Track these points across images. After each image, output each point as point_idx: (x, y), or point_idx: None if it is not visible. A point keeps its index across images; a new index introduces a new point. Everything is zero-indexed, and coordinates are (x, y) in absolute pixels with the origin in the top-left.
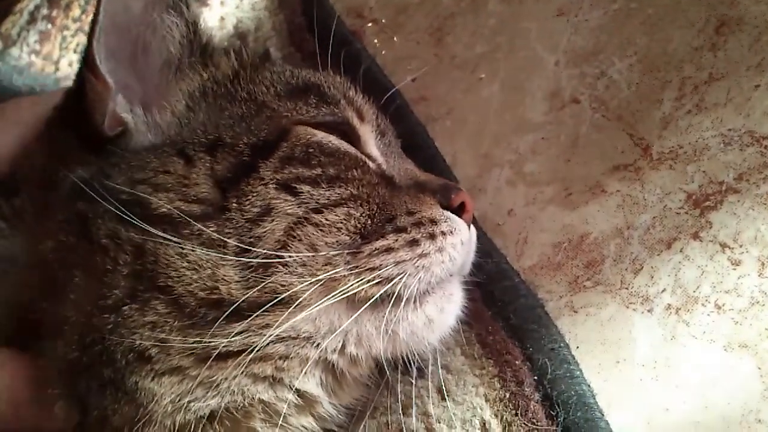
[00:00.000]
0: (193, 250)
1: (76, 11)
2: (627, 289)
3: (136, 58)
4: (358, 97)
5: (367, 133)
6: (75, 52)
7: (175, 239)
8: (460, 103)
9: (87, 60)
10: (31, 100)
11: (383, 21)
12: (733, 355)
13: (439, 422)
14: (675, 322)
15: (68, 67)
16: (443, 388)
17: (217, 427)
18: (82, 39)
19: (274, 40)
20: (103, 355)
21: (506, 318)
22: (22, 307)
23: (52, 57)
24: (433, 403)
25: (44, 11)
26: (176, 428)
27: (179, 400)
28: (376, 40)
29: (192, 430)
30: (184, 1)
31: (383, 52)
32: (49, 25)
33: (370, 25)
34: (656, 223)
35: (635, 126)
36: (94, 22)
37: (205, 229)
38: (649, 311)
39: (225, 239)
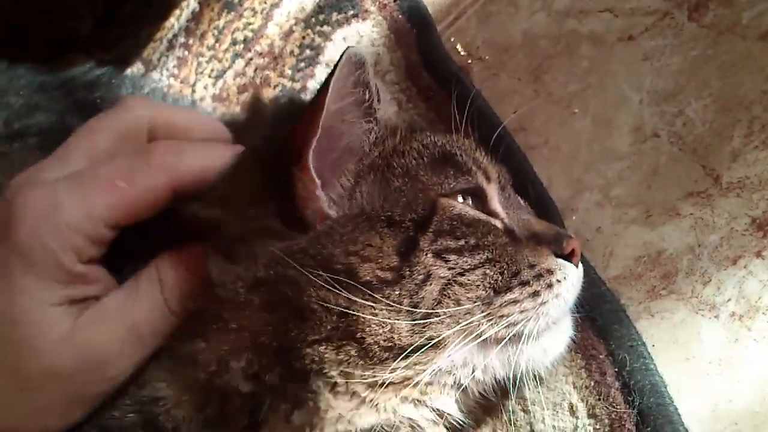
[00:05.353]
0: (382, 310)
1: (210, 40)
2: (697, 297)
3: (323, 149)
4: (484, 159)
5: (493, 192)
6: (209, 77)
7: (371, 303)
8: (556, 134)
9: (299, 160)
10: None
11: (488, 60)
12: None
13: (534, 404)
14: (738, 327)
15: (203, 90)
16: (537, 376)
17: None
18: (216, 65)
19: (392, 74)
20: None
21: (593, 319)
22: None
23: (189, 80)
24: (529, 389)
25: (181, 39)
26: None
27: (346, 414)
28: (482, 75)
29: None
30: (374, 106)
31: (488, 87)
32: (186, 52)
33: (476, 60)
34: (723, 243)
35: (707, 158)
36: (310, 129)
37: (393, 292)
38: (715, 317)
39: (402, 300)
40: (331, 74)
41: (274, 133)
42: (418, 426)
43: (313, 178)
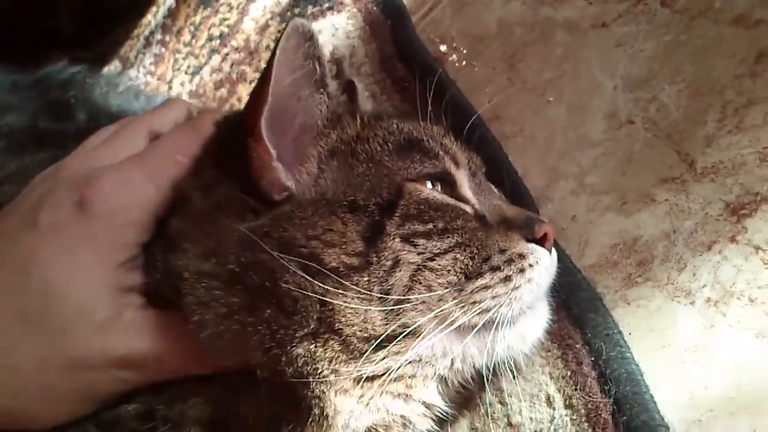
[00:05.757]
0: (353, 299)
1: (186, 36)
2: (673, 284)
3: (277, 122)
4: (453, 144)
5: (462, 177)
6: (186, 73)
7: (343, 291)
8: (530, 122)
9: (253, 131)
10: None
11: (463, 50)
12: (765, 341)
13: (510, 396)
14: (713, 313)
15: (180, 86)
16: (515, 367)
17: None
18: (193, 62)
19: (367, 66)
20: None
21: (569, 308)
22: None
23: (166, 77)
24: (506, 381)
25: (158, 36)
26: None
27: (349, 416)
28: (457, 65)
29: None
30: (326, 80)
31: (463, 77)
32: (163, 49)
33: (451, 51)
34: (698, 228)
35: (682, 144)
36: (261, 98)
37: (361, 279)
38: (691, 303)
39: (372, 287)
40: (277, 42)
41: (237, 111)
42: (409, 422)
43: (267, 147)
